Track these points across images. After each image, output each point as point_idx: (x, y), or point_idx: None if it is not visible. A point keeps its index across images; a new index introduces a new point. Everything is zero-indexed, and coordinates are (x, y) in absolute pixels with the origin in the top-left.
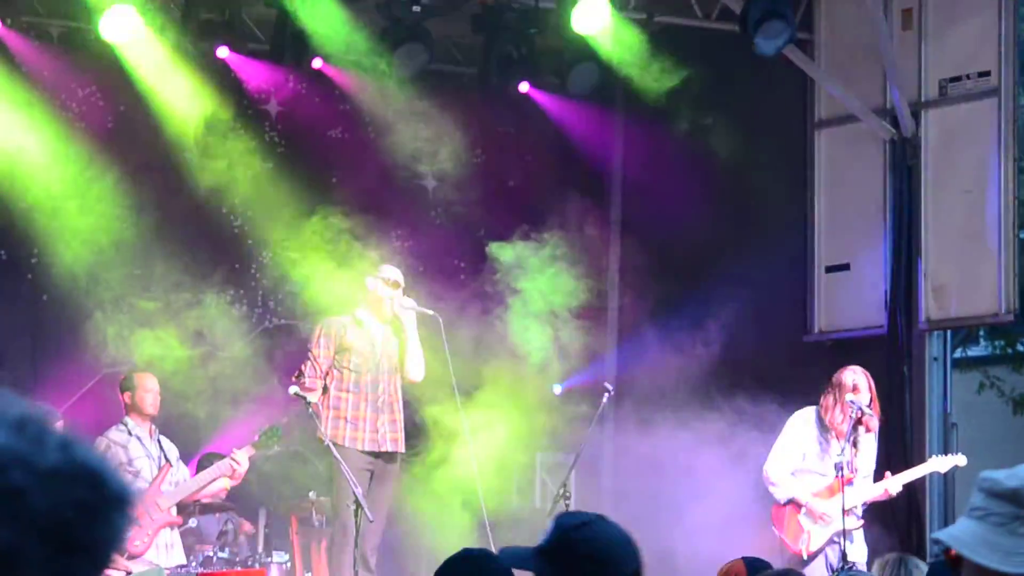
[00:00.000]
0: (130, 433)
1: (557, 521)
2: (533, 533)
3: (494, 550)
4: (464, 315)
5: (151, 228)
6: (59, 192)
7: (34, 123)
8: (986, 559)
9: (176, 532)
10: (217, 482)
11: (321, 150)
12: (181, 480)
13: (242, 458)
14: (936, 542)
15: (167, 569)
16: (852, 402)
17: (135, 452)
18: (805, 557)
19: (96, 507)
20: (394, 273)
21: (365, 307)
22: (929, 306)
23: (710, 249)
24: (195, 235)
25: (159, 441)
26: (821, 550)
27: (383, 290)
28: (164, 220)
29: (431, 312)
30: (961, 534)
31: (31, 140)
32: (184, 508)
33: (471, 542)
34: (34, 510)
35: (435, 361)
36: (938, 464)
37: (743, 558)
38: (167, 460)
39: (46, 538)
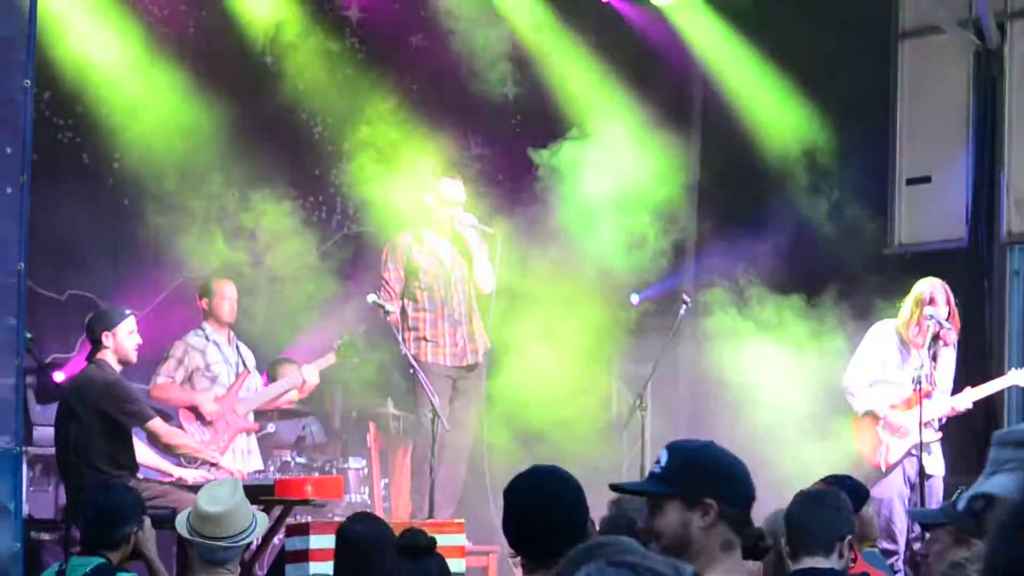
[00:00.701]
0: (207, 338)
1: (674, 446)
2: (607, 445)
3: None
4: (543, 224)
5: (232, 134)
6: (141, 97)
7: (117, 28)
8: None
9: (253, 438)
10: (286, 394)
11: (401, 57)
12: (256, 387)
13: (311, 373)
14: (979, 498)
15: (245, 474)
16: (932, 316)
17: (213, 357)
18: (884, 469)
19: None
20: (453, 191)
21: (426, 223)
22: (1011, 219)
23: (790, 159)
24: (275, 141)
25: (237, 347)
26: (899, 463)
27: (443, 208)
28: (244, 126)
29: (490, 230)
30: (1009, 485)
31: (114, 45)
32: (262, 414)
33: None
34: None
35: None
36: (1018, 377)
37: (824, 479)
38: (245, 367)
39: None
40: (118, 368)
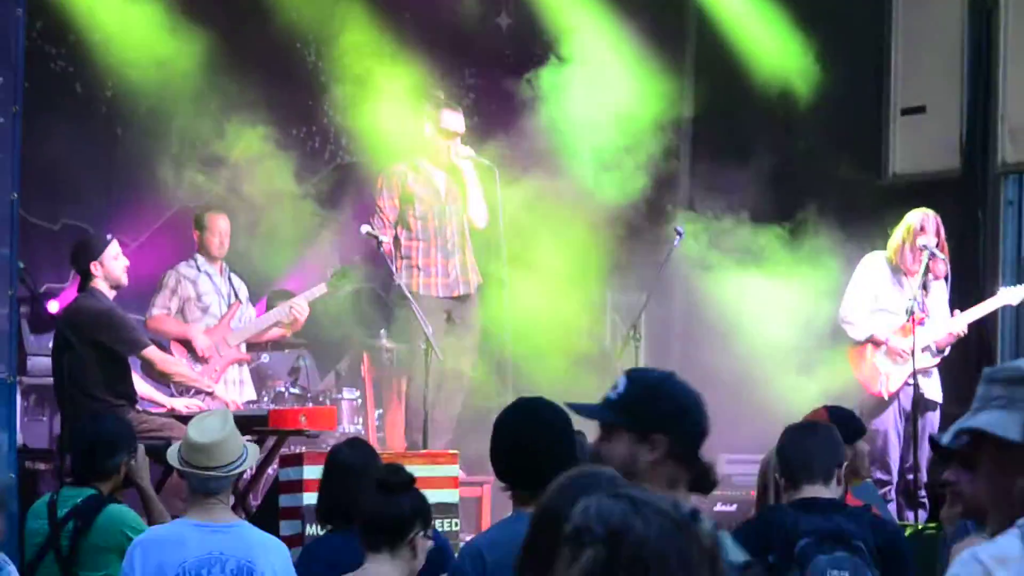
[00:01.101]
0: (199, 269)
1: (633, 374)
2: (603, 372)
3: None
4: (531, 152)
5: (225, 64)
6: (134, 26)
7: None
8: None
9: (245, 368)
10: (276, 328)
11: None
12: (249, 319)
13: (300, 305)
14: (965, 432)
15: (239, 404)
16: (925, 246)
17: (204, 288)
18: (887, 398)
19: None
20: (453, 121)
21: (424, 153)
22: (1005, 149)
23: (785, 88)
24: (268, 71)
25: (230, 278)
26: (899, 391)
27: (441, 138)
28: (238, 56)
29: (487, 163)
30: (996, 422)
31: None
32: (255, 344)
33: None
34: None
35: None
36: (1009, 296)
37: (826, 406)
38: (237, 298)
39: None
40: (111, 293)
